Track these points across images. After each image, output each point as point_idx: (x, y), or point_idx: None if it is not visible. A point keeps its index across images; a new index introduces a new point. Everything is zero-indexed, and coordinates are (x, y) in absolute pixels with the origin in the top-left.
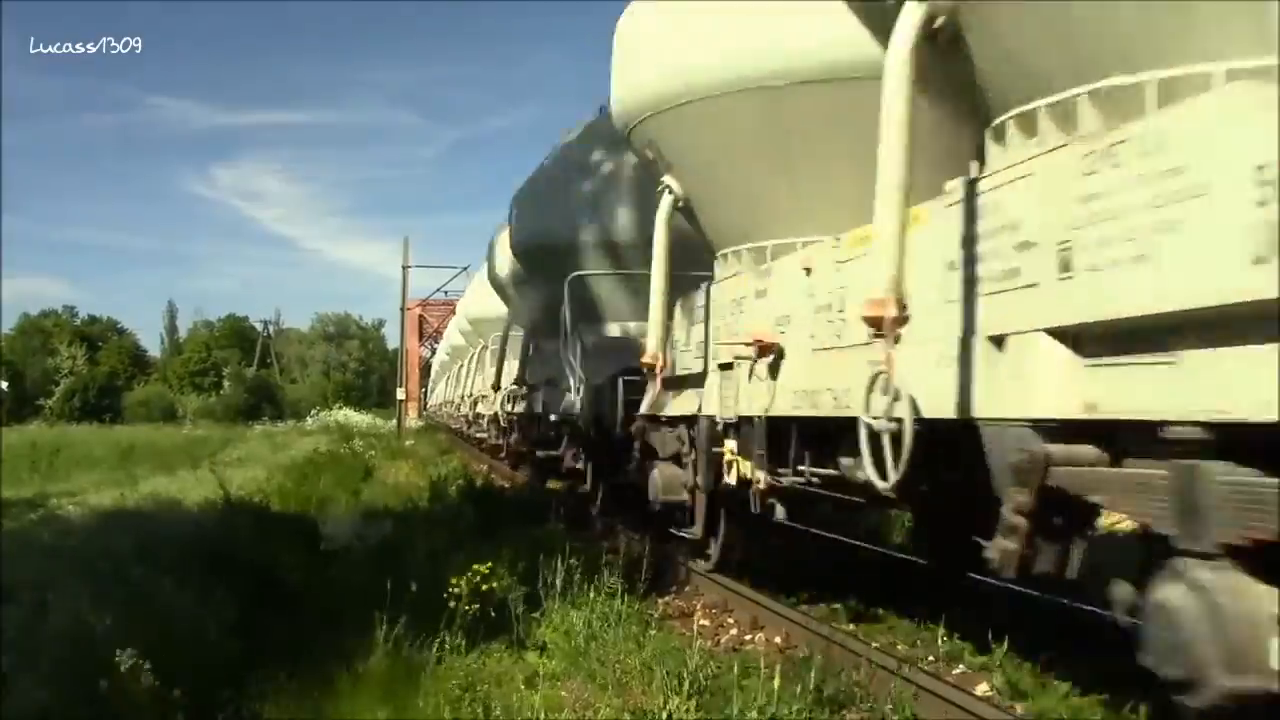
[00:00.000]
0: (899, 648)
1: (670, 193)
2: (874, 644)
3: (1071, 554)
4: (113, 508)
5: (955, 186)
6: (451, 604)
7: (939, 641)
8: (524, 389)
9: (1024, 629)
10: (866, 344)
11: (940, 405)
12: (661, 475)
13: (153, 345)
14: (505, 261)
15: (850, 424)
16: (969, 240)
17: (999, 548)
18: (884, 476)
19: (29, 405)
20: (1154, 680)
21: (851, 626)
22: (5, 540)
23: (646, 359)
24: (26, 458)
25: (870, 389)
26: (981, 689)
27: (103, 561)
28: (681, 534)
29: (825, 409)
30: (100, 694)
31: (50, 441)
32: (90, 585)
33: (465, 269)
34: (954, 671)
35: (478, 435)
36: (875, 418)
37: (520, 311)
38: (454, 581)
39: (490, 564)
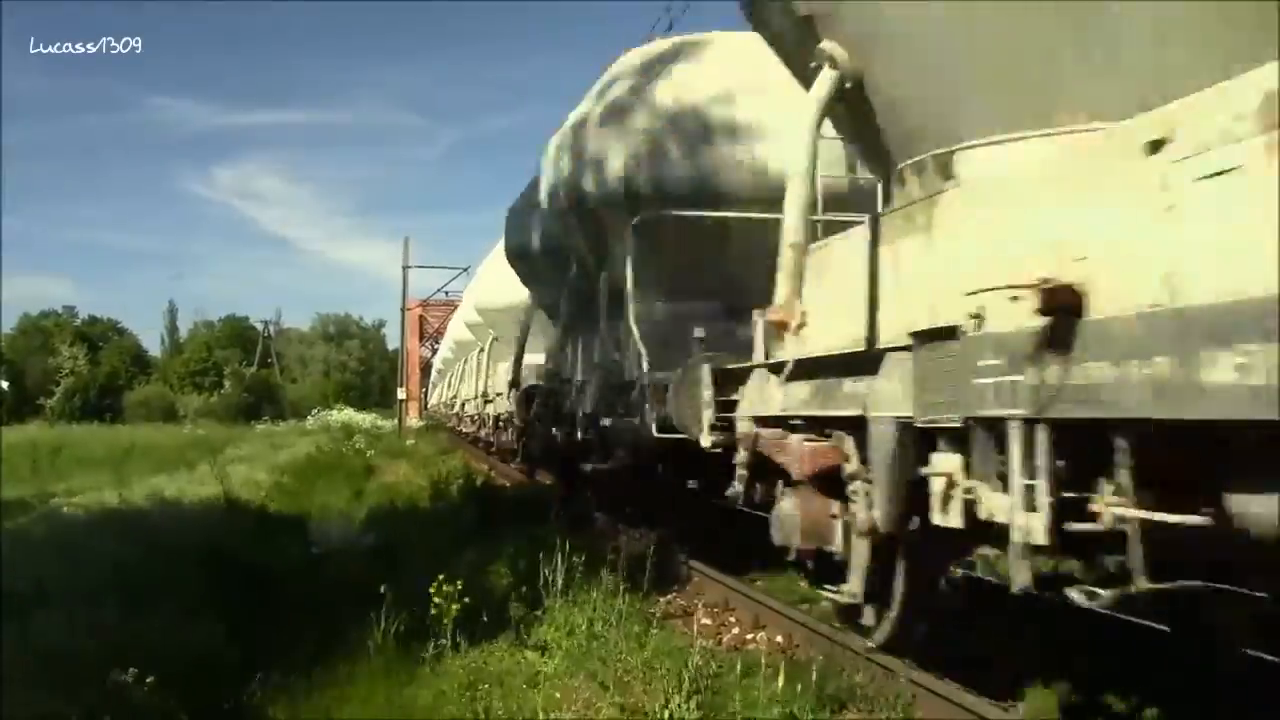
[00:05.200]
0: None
1: (833, 66)
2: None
3: None
4: (112, 508)
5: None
6: (434, 611)
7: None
8: (550, 383)
9: (1024, 629)
10: None
11: None
12: (800, 509)
13: (153, 345)
14: (532, 227)
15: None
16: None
17: None
18: None
19: (30, 405)
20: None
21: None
22: (5, 540)
23: (775, 315)
24: (27, 457)
25: None
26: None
27: (102, 563)
28: (827, 594)
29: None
30: (99, 701)
31: (51, 441)
32: (89, 588)
33: (465, 269)
34: (954, 671)
35: (486, 438)
36: None
37: (546, 291)
38: (434, 593)
39: (460, 581)
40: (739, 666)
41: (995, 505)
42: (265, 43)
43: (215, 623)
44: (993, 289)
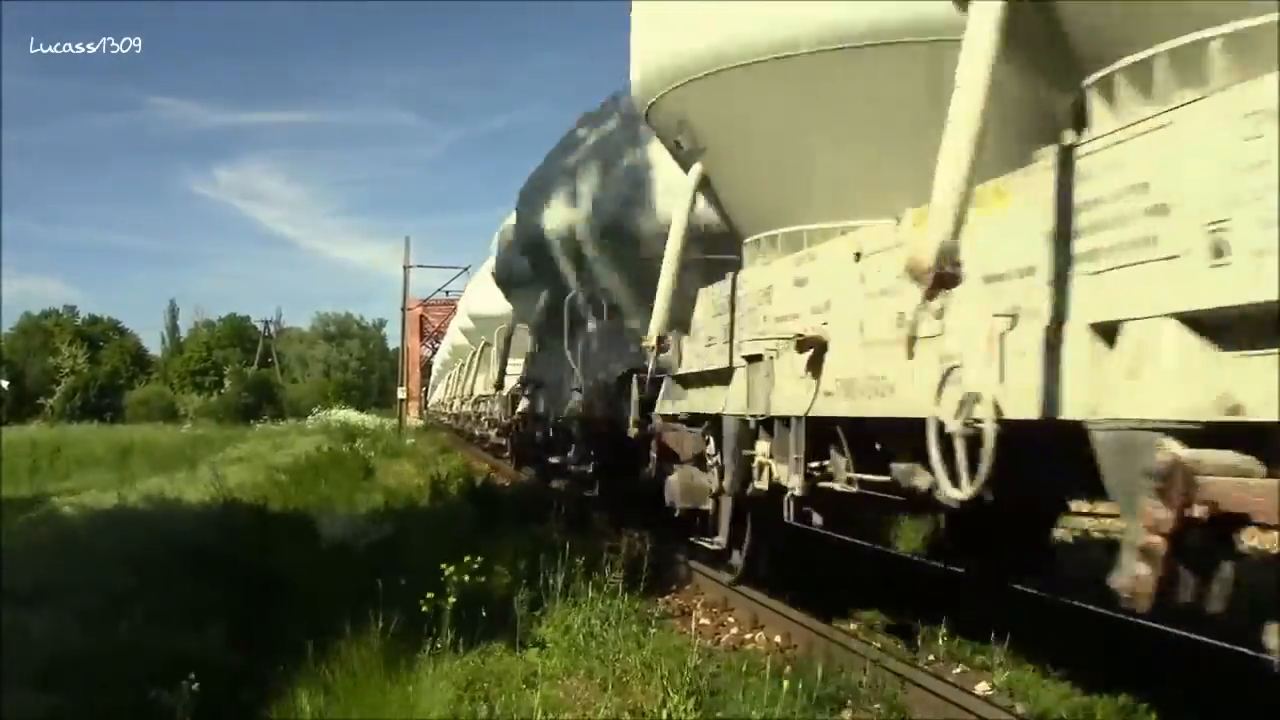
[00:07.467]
0: (899, 647)
1: (697, 169)
2: (874, 643)
3: (1215, 581)
4: (112, 507)
5: (1047, 154)
6: (445, 593)
7: (939, 641)
8: (528, 388)
9: (1024, 629)
10: (933, 336)
11: (1024, 405)
12: (681, 480)
13: (154, 345)
14: (511, 256)
15: (905, 426)
16: (1068, 216)
17: (1130, 575)
18: (957, 485)
19: (30, 404)
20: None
21: (852, 626)
22: (5, 540)
23: (648, 340)
24: (27, 457)
25: (941, 387)
26: (981, 688)
27: (102, 563)
28: (702, 543)
29: (877, 409)
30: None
31: (51, 440)
32: (89, 587)
33: (466, 269)
34: (954, 671)
35: (479, 435)
36: (950, 421)
37: (525, 308)
38: (447, 570)
39: (482, 558)
40: (738, 666)
41: (780, 473)
42: (265, 43)
43: (215, 622)
44: (776, 338)
